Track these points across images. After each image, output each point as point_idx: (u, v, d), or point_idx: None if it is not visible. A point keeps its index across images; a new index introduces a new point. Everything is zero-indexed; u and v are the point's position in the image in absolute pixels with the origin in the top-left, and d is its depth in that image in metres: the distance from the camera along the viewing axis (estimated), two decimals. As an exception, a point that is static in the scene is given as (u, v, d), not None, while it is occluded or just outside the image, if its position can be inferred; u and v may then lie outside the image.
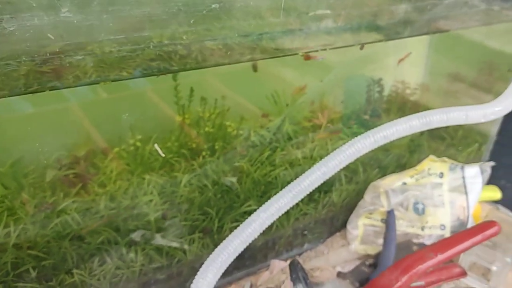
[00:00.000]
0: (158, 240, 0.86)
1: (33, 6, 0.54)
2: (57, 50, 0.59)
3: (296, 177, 0.78)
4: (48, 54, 0.58)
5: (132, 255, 0.84)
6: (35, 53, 0.58)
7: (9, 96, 0.61)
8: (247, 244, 0.73)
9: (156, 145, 0.82)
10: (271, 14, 0.79)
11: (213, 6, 0.69)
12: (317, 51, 0.89)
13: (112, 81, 0.67)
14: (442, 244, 0.87)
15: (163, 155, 0.83)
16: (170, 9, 0.65)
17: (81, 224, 0.78)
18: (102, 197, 0.81)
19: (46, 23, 0.56)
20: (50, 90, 0.62)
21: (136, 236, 0.84)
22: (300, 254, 1.08)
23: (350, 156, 0.80)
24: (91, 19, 0.59)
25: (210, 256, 0.70)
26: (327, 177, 0.78)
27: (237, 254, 0.72)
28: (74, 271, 0.79)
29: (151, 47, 0.67)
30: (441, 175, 1.08)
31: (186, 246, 0.90)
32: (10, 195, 0.75)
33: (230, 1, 0.71)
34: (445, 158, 1.13)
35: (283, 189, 0.76)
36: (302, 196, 0.77)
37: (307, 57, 0.87)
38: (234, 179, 0.94)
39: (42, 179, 0.77)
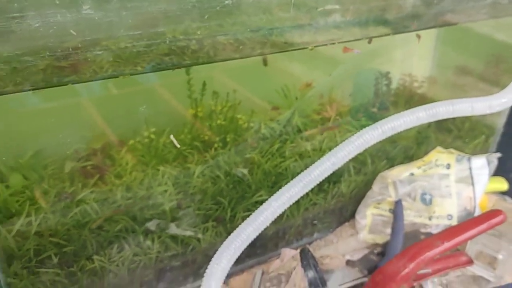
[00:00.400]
0: (173, 228, 0.89)
1: (56, 3, 0.57)
2: (78, 45, 0.61)
3: (306, 168, 0.80)
4: (70, 49, 0.61)
5: (148, 242, 0.87)
6: (57, 48, 0.60)
7: (32, 90, 0.63)
8: (260, 231, 0.75)
9: (171, 136, 0.85)
10: (282, 9, 0.81)
11: (226, 2, 0.71)
12: (326, 45, 0.91)
13: (131, 75, 0.69)
14: (449, 232, 0.89)
15: (178, 146, 0.86)
16: (185, 6, 0.68)
17: (99, 213, 0.81)
18: (119, 188, 0.84)
19: (69, 20, 0.59)
20: (72, 84, 0.65)
21: (152, 225, 0.87)
22: (310, 243, 1.10)
23: (358, 147, 0.82)
24: (111, 15, 0.62)
25: (224, 243, 0.73)
26: (336, 167, 0.80)
27: (250, 241, 0.74)
28: (94, 257, 0.82)
29: (167, 42, 0.69)
30: (448, 166, 1.10)
31: (200, 235, 0.93)
32: (31, 186, 0.78)
33: (242, -3, 0.73)
34: (452, 150, 1.14)
35: (294, 179, 0.78)
36: (312, 186, 0.79)
37: (345, 50, 0.90)
38: (245, 170, 0.96)
39: (61, 170, 0.80)
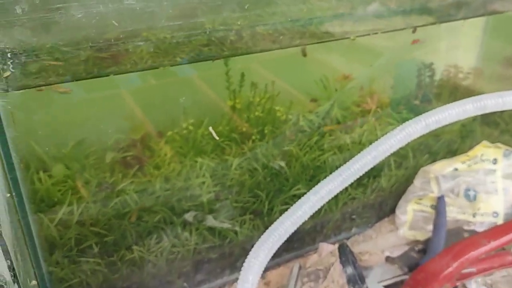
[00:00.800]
0: (211, 220, 0.89)
1: (98, -6, 0.57)
2: (120, 36, 0.61)
3: (345, 162, 0.78)
4: (112, 40, 0.61)
5: (186, 234, 0.87)
6: (99, 39, 0.61)
7: (75, 80, 0.64)
8: (298, 226, 0.74)
9: (210, 128, 0.85)
10: (323, -1, 0.79)
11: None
12: (368, 35, 0.89)
13: (171, 66, 0.69)
14: (496, 231, 0.86)
15: (217, 138, 0.85)
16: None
17: (139, 203, 0.82)
18: (158, 179, 0.84)
19: (111, 10, 0.59)
20: (114, 74, 0.65)
21: (189, 216, 0.87)
22: (348, 238, 1.09)
23: (401, 141, 0.79)
24: (152, 6, 0.61)
25: (262, 236, 0.72)
26: (377, 161, 0.78)
27: (287, 236, 0.73)
28: (134, 247, 0.83)
29: (207, 32, 0.69)
30: (495, 161, 1.06)
31: (237, 227, 0.92)
32: (73, 175, 0.79)
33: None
34: (499, 144, 1.10)
35: (333, 173, 0.76)
36: (352, 180, 0.77)
37: (414, 41, 0.88)
38: (283, 163, 0.95)
39: (102, 161, 0.81)
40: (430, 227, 1.04)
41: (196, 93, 0.87)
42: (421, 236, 1.05)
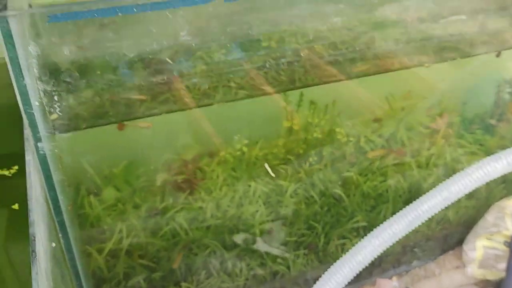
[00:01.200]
0: (263, 252, 0.84)
1: (153, 32, 0.53)
2: (174, 74, 0.57)
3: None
4: (165, 78, 0.57)
5: (237, 269, 0.83)
6: (152, 77, 0.57)
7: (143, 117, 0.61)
8: (357, 272, 0.69)
9: (266, 165, 0.80)
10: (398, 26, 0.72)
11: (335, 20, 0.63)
12: (445, 61, 0.81)
13: (226, 102, 0.65)
14: None
15: (273, 175, 0.81)
16: (289, 27, 0.61)
17: (189, 233, 0.78)
18: (209, 204, 0.80)
19: (165, 47, 0.54)
20: (166, 113, 0.61)
21: (239, 241, 0.83)
22: (407, 271, 1.01)
23: (477, 181, 0.72)
24: (208, 40, 0.56)
25: (318, 283, 0.67)
26: (448, 203, 0.71)
27: (346, 283, 0.68)
28: (182, 283, 0.80)
29: (267, 66, 0.64)
30: None
31: (290, 262, 0.87)
32: (123, 199, 0.77)
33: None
34: None
35: (398, 213, 0.70)
36: (418, 223, 0.71)
37: None
38: (341, 191, 0.89)
39: (152, 183, 0.78)
40: (502, 266, 0.95)
41: (250, 113, 0.82)
42: (492, 276, 0.96)
